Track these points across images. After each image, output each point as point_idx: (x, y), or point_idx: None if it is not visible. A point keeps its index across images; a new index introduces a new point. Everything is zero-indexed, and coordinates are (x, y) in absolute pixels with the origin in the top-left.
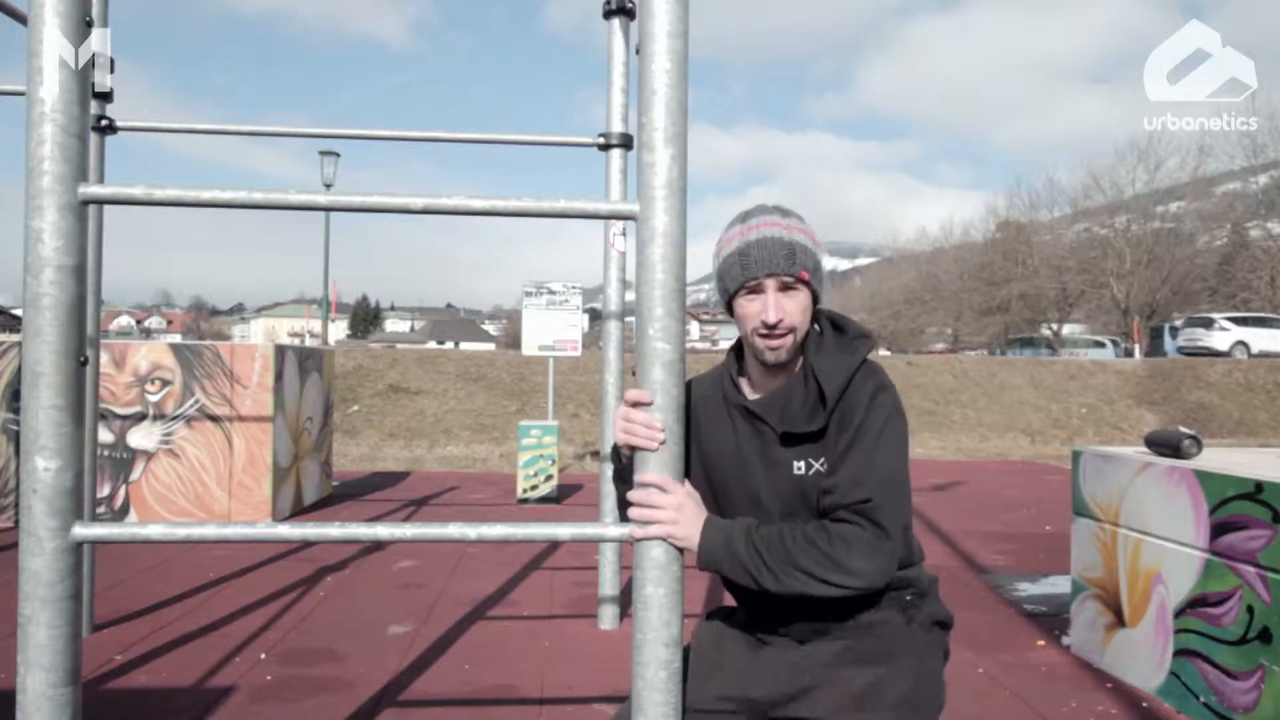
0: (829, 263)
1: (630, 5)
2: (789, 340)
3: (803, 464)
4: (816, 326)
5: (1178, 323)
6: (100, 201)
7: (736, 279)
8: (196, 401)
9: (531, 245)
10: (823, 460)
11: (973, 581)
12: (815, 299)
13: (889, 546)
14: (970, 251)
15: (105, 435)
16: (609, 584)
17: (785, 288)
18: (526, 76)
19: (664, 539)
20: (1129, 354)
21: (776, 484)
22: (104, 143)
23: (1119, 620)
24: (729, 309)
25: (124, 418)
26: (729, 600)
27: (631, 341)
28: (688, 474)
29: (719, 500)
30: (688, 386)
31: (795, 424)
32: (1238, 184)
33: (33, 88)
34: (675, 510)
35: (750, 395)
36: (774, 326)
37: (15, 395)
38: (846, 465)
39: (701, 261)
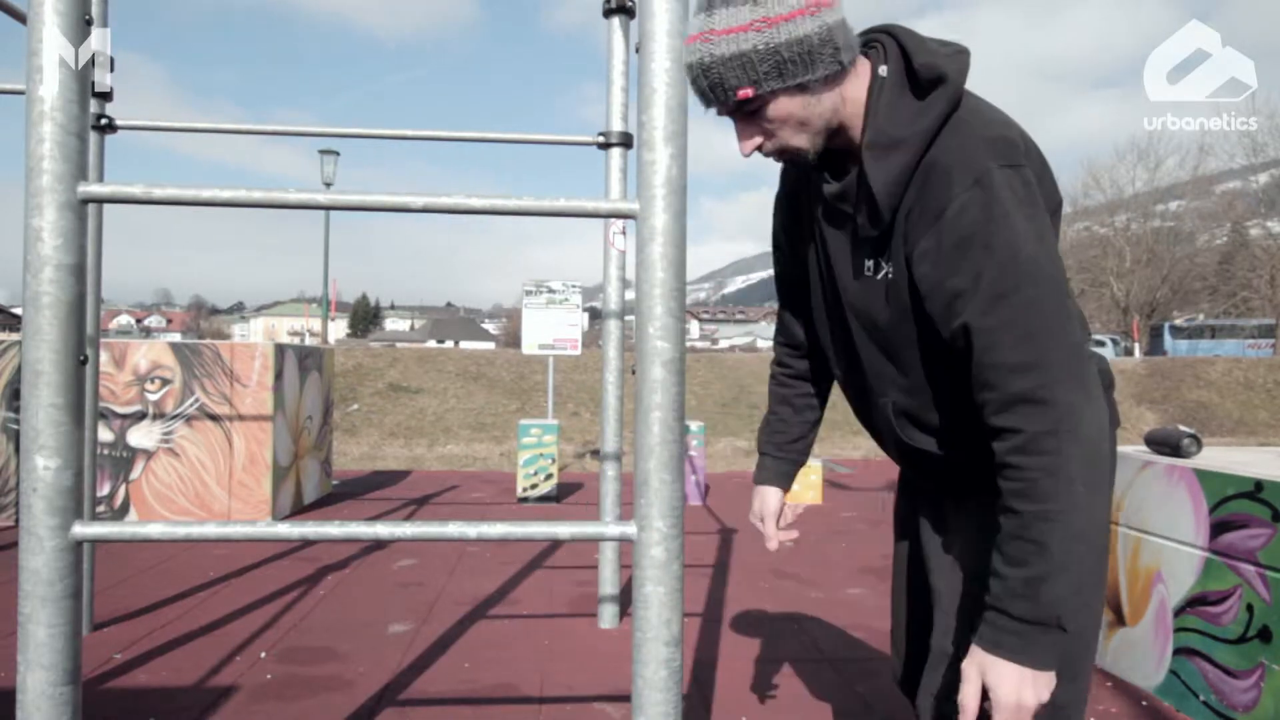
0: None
1: (630, 4)
2: (785, 156)
3: (871, 263)
4: (882, 69)
5: (1178, 321)
6: (100, 200)
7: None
8: (196, 400)
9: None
10: (891, 265)
11: None
12: (803, 87)
13: (1072, 412)
14: None
15: (105, 434)
16: (609, 583)
17: (742, 114)
18: (527, 75)
19: (1031, 708)
20: (1129, 352)
21: (851, 279)
22: (104, 141)
23: (1119, 619)
24: None
25: (124, 417)
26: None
27: (631, 340)
28: (788, 271)
29: (816, 297)
30: (782, 175)
31: (861, 226)
32: (1238, 183)
33: (32, 86)
34: (1002, 699)
35: (830, 179)
36: (757, 154)
37: (15, 394)
38: (974, 351)
39: (702, 261)
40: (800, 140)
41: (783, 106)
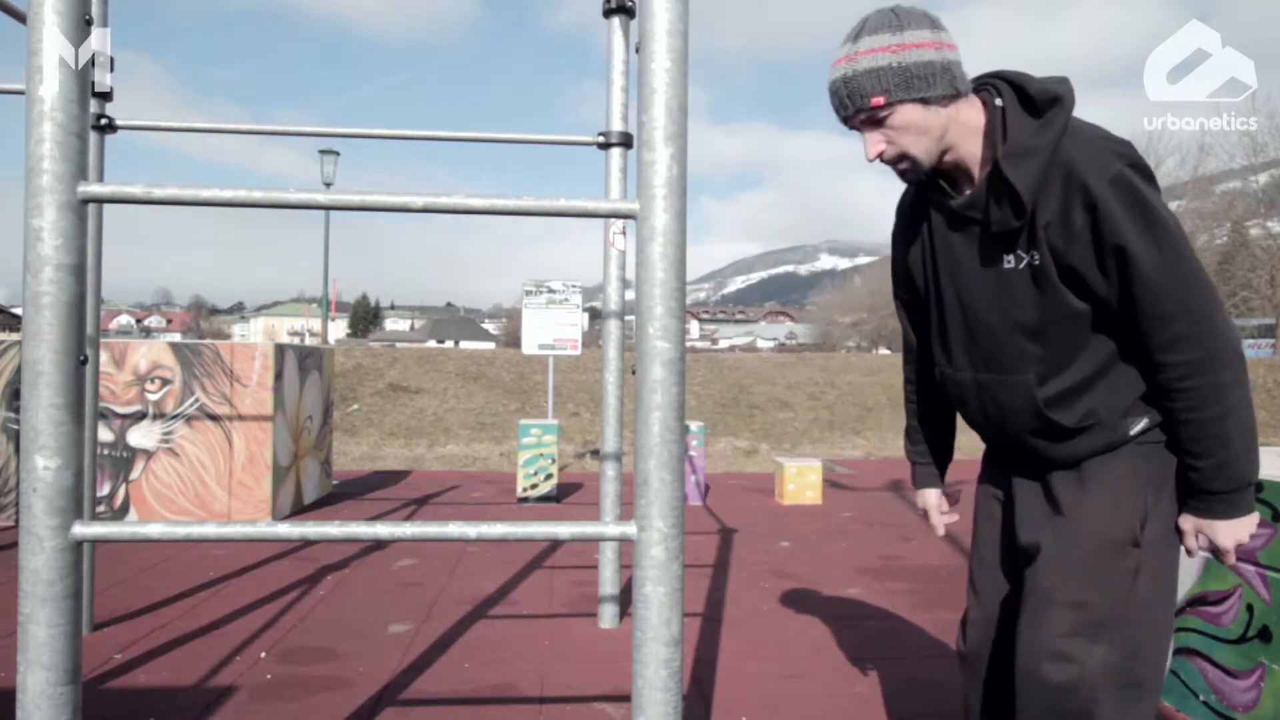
0: (829, 261)
1: (630, 4)
2: (905, 164)
3: (1011, 257)
4: (998, 100)
5: None
6: (100, 200)
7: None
8: (196, 400)
9: (532, 244)
10: (1036, 253)
11: None
12: (924, 101)
13: (1214, 345)
14: None
15: (105, 434)
16: (609, 583)
17: (871, 122)
18: (527, 75)
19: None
20: None
21: (986, 276)
22: (104, 141)
23: None
24: None
25: (124, 416)
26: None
27: (631, 340)
28: (911, 294)
29: (933, 306)
30: (900, 207)
31: (1000, 222)
32: (1238, 183)
33: (32, 86)
34: (1225, 540)
35: (954, 194)
36: (880, 160)
37: (15, 394)
38: (1143, 302)
39: (702, 261)
40: (918, 148)
41: (906, 115)
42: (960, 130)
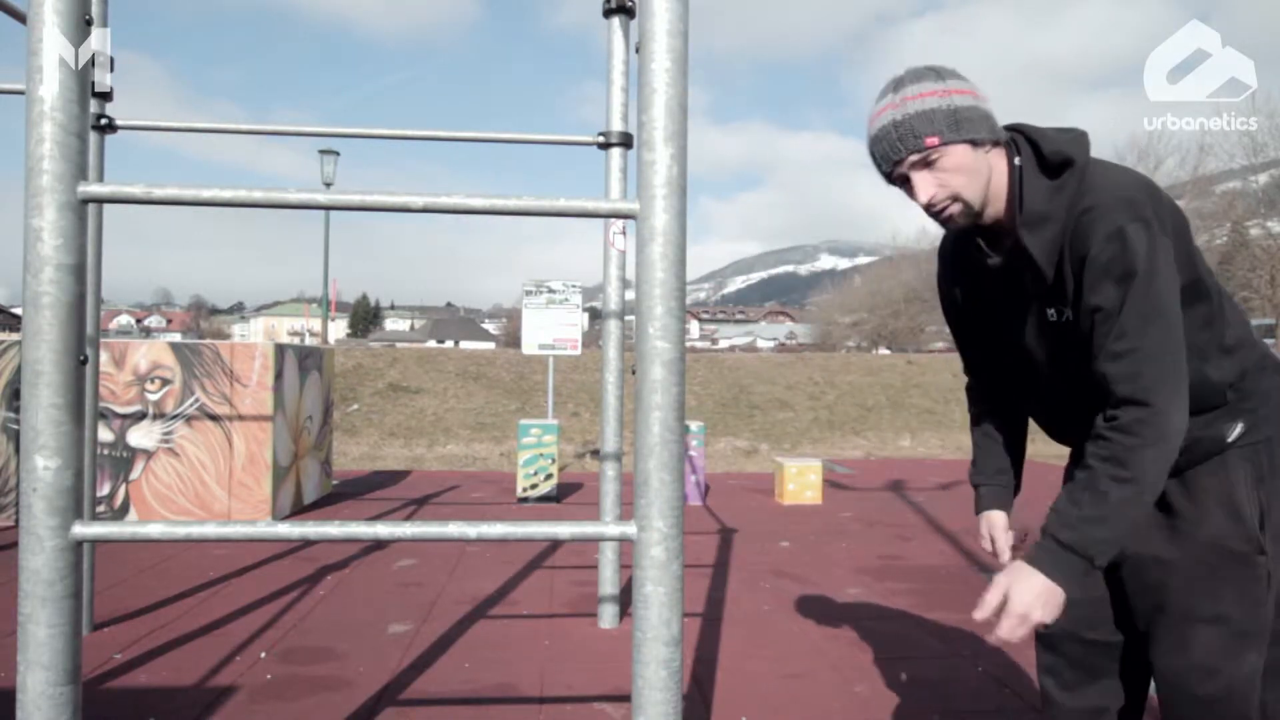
0: (829, 261)
1: (630, 4)
2: (957, 207)
3: (1053, 311)
4: (1017, 159)
5: None
6: (100, 200)
7: (883, 179)
8: (196, 400)
9: (532, 244)
10: (1069, 310)
11: (974, 580)
12: (974, 143)
13: (1164, 416)
14: None
15: (105, 434)
16: (609, 583)
17: (924, 164)
18: (527, 75)
19: (1034, 621)
20: None
21: (1036, 332)
22: (104, 141)
23: None
24: None
25: (124, 416)
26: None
27: (631, 340)
28: (970, 338)
29: (988, 348)
30: (942, 257)
31: (1031, 284)
32: (1238, 183)
33: (32, 86)
34: (1016, 602)
35: (991, 253)
36: (929, 206)
37: (15, 394)
38: (1101, 355)
39: (702, 261)
40: (970, 191)
41: (958, 156)
42: (997, 183)
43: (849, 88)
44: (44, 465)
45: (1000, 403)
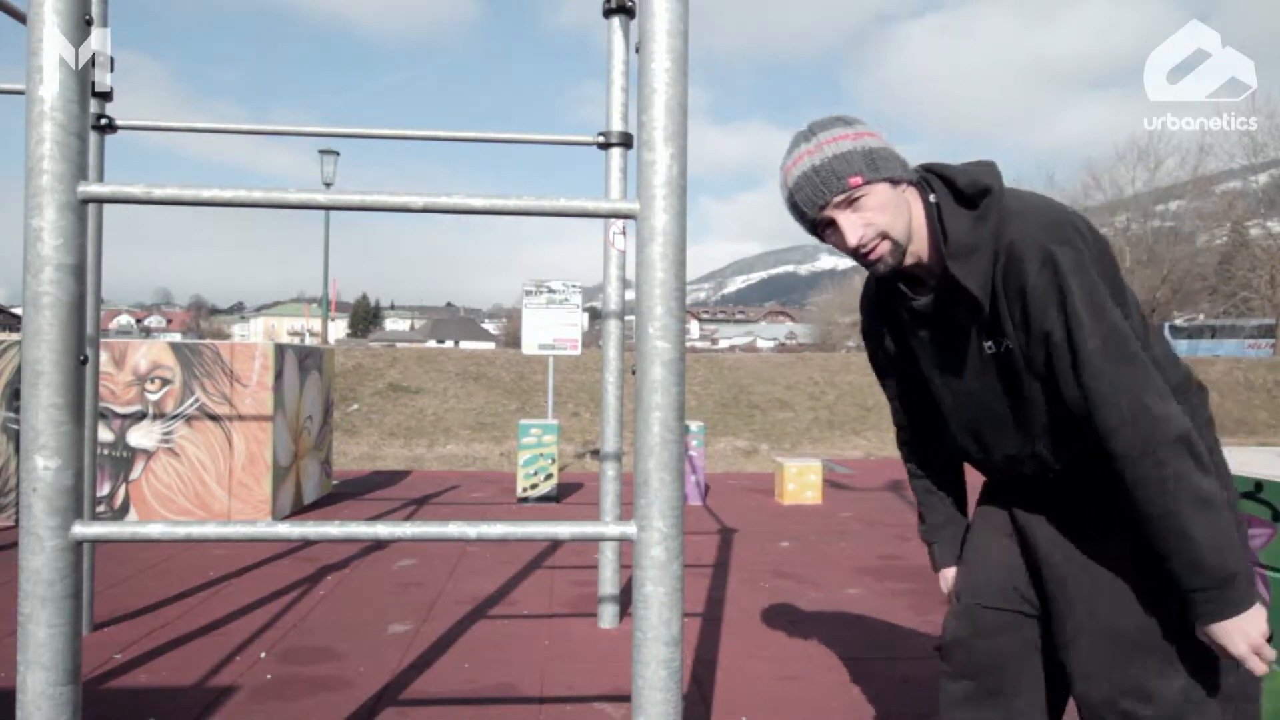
0: (829, 261)
1: (630, 4)
2: (886, 245)
3: (990, 343)
4: (932, 196)
5: (1179, 321)
6: (100, 200)
7: (805, 228)
8: (196, 400)
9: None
10: (1007, 339)
11: None
12: (893, 181)
13: (1162, 423)
14: None
15: (105, 434)
16: (609, 583)
17: (848, 204)
18: (526, 75)
19: (1260, 644)
20: None
21: (976, 366)
22: (104, 141)
23: None
24: None
25: (124, 416)
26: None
27: (631, 340)
28: (897, 383)
29: (922, 393)
30: (866, 302)
31: (965, 319)
32: (1237, 183)
33: (32, 86)
34: (1238, 649)
35: (916, 295)
36: (859, 248)
37: (15, 394)
38: (1069, 382)
39: (702, 261)
40: (896, 228)
41: (880, 194)
42: (916, 221)
43: (849, 88)
44: (44, 465)
45: (936, 453)
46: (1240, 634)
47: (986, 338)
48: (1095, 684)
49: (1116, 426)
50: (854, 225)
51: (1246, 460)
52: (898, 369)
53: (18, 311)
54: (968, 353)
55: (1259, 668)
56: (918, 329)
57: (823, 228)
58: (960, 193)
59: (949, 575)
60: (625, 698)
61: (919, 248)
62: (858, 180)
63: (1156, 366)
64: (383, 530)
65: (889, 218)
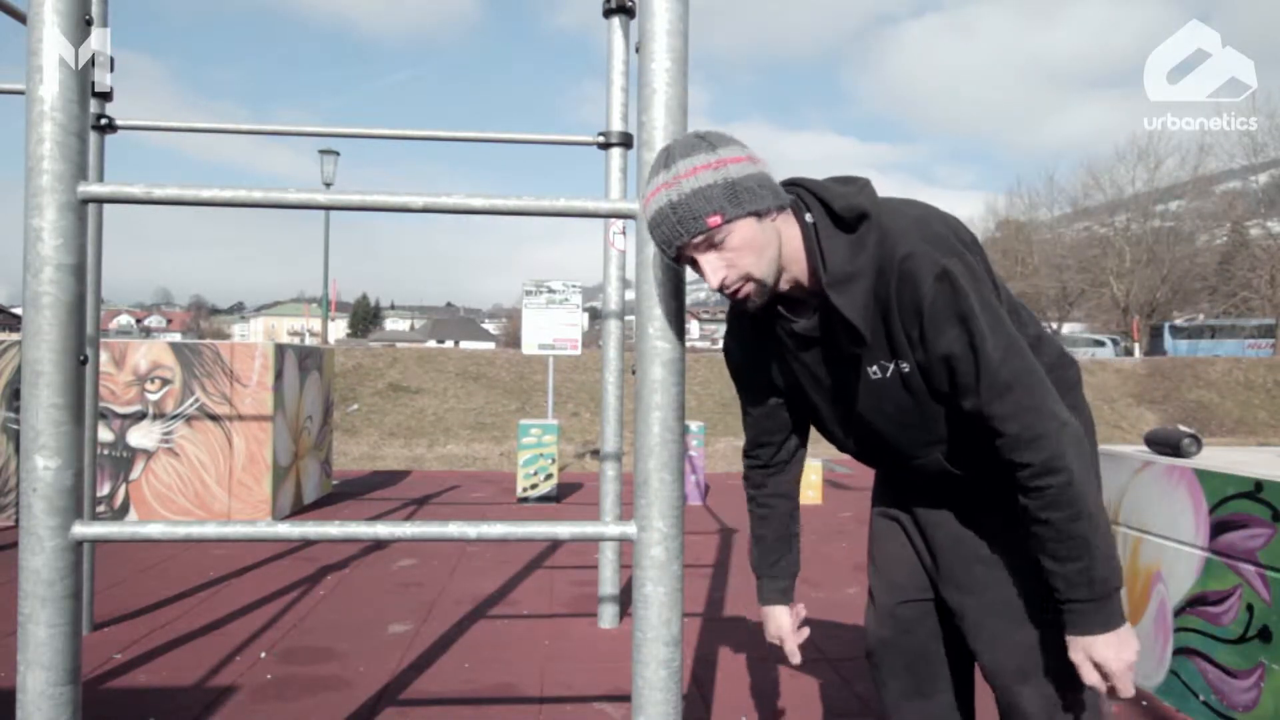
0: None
1: (630, 4)
2: (751, 286)
3: (876, 368)
4: (808, 216)
5: (1178, 321)
6: (100, 200)
7: (669, 262)
8: (196, 400)
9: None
10: (902, 361)
11: None
12: (758, 215)
13: (1061, 432)
14: None
15: (105, 434)
16: (609, 583)
17: (709, 245)
18: (526, 75)
19: (1132, 662)
20: (1129, 352)
21: (863, 389)
22: (104, 141)
23: None
24: None
25: (124, 416)
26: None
27: (631, 340)
28: (760, 401)
29: (811, 415)
30: (734, 317)
31: (847, 347)
32: (1238, 183)
33: (32, 86)
34: (1109, 664)
35: (795, 319)
36: (724, 288)
37: (15, 394)
38: (970, 396)
39: None
40: (759, 269)
41: (742, 232)
42: (789, 247)
43: (849, 88)
44: (44, 465)
45: (780, 482)
46: (1118, 651)
47: (872, 362)
48: (999, 652)
49: (1021, 436)
50: (716, 268)
51: (1246, 460)
52: (766, 386)
53: (18, 311)
54: (860, 374)
55: (1128, 690)
56: (800, 350)
57: (686, 262)
58: (837, 216)
59: (775, 614)
60: (625, 698)
61: (796, 272)
62: (716, 220)
63: (1037, 348)
64: (383, 530)
65: (753, 258)
